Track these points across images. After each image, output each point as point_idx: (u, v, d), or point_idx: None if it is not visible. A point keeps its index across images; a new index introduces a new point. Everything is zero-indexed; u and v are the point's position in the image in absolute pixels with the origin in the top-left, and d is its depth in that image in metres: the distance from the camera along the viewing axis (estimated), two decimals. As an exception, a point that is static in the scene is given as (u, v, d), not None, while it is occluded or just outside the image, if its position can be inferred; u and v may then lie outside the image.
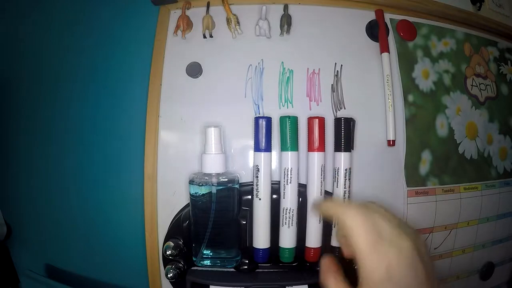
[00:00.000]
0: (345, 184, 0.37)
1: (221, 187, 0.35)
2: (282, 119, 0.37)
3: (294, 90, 0.39)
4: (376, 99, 0.40)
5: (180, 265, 0.38)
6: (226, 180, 0.36)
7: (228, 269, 0.38)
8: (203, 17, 0.38)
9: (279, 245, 0.37)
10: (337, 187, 0.37)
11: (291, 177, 0.36)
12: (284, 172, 0.36)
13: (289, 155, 0.36)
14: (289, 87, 0.39)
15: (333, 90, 0.40)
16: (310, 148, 0.37)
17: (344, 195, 0.37)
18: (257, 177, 0.36)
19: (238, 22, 0.39)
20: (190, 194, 0.36)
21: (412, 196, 0.41)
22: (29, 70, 0.48)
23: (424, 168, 0.42)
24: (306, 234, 0.38)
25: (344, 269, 0.26)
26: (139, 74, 0.40)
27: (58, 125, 0.45)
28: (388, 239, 0.22)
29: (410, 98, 0.41)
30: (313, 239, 0.37)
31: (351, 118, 0.38)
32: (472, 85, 0.46)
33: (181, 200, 0.39)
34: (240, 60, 0.39)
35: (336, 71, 0.40)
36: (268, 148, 0.36)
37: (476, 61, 0.47)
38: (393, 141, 0.39)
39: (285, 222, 0.37)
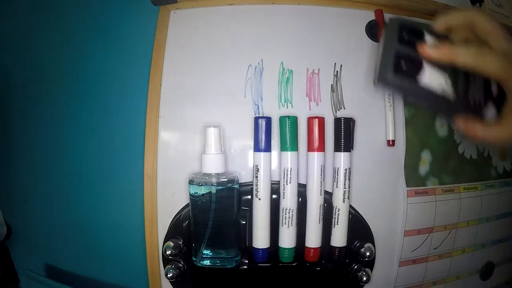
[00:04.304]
0: (344, 184, 0.37)
1: (220, 187, 0.35)
2: (282, 119, 0.37)
3: (293, 90, 0.39)
4: (376, 99, 0.40)
5: (180, 265, 0.39)
6: (226, 180, 0.36)
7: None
8: None
9: (279, 245, 0.38)
10: (337, 187, 0.37)
11: (290, 177, 0.36)
12: (284, 172, 0.37)
13: (289, 155, 0.36)
14: (288, 87, 0.39)
15: (332, 90, 0.40)
16: (310, 148, 0.37)
17: (343, 195, 0.37)
18: (256, 177, 0.36)
19: None
20: (190, 194, 0.36)
21: (412, 196, 0.41)
22: (27, 70, 0.48)
23: (424, 168, 0.42)
24: (305, 234, 0.38)
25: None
26: (139, 74, 0.40)
27: (57, 126, 0.45)
28: None
29: (410, 98, 0.41)
30: (313, 239, 0.37)
31: (351, 118, 0.38)
32: (472, 85, 0.46)
33: (181, 200, 0.39)
34: (240, 60, 0.39)
35: (335, 71, 0.40)
36: (267, 148, 0.37)
37: (476, 61, 0.47)
38: (393, 141, 0.39)
39: (285, 222, 0.37)
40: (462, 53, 0.25)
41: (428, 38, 0.26)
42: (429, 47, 0.25)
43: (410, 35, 0.26)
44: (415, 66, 0.25)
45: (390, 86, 0.27)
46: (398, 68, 0.25)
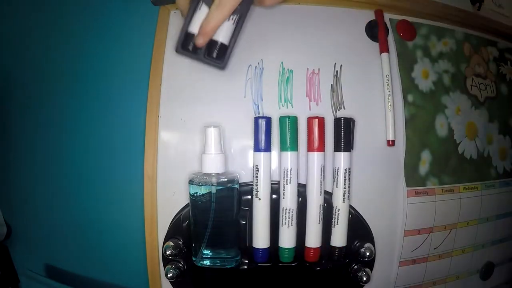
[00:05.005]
0: (344, 184, 0.37)
1: (220, 187, 0.35)
2: (282, 119, 0.37)
3: (293, 90, 0.39)
4: (376, 99, 0.40)
5: (180, 265, 0.39)
6: (226, 180, 0.36)
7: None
8: None
9: (279, 245, 0.38)
10: (336, 187, 0.38)
11: (290, 177, 0.36)
12: (284, 172, 0.37)
13: (289, 155, 0.36)
14: (288, 87, 0.39)
15: (332, 90, 0.40)
16: (310, 148, 0.37)
17: (343, 195, 0.37)
18: (256, 177, 0.36)
19: None
20: (190, 194, 0.36)
21: (411, 196, 0.41)
22: (27, 70, 0.48)
23: (423, 168, 0.42)
24: (305, 234, 0.38)
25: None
26: (139, 75, 0.40)
27: (57, 126, 0.45)
28: None
29: (410, 98, 0.41)
30: (313, 239, 0.37)
31: (350, 118, 0.38)
32: (471, 85, 0.46)
33: (181, 200, 0.39)
34: (240, 60, 0.39)
35: (335, 71, 0.40)
36: (267, 148, 0.37)
37: (476, 61, 0.47)
38: (393, 141, 0.39)
39: (285, 222, 0.37)
40: (211, 20, 0.32)
41: (195, 29, 0.34)
42: (197, 40, 0.34)
43: (188, 45, 0.35)
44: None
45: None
46: (210, 59, 0.36)
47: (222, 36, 0.35)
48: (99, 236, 0.44)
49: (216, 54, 0.35)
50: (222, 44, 0.35)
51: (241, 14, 0.34)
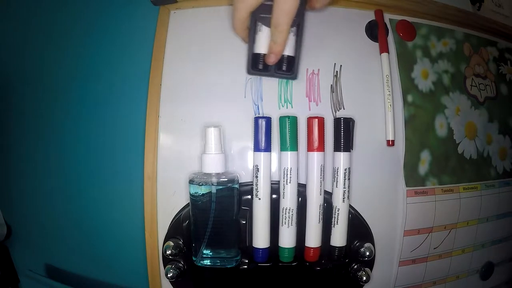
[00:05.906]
0: (344, 184, 0.37)
1: (221, 187, 0.35)
2: (282, 119, 0.37)
3: (293, 91, 0.39)
4: (376, 99, 0.40)
5: (180, 265, 0.39)
6: (226, 180, 0.36)
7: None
8: None
9: (279, 245, 0.38)
10: (336, 187, 0.38)
11: (290, 177, 0.36)
12: (284, 172, 0.37)
13: (289, 155, 0.36)
14: (288, 87, 0.39)
15: (332, 91, 0.40)
16: (310, 148, 0.37)
17: (343, 194, 0.37)
18: (256, 177, 0.36)
19: None
20: (190, 194, 0.36)
21: (411, 196, 0.41)
22: (28, 70, 0.48)
23: (423, 168, 0.42)
24: (305, 234, 0.38)
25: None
26: (139, 74, 0.40)
27: (58, 126, 0.45)
28: None
29: (410, 98, 0.41)
30: (313, 239, 0.37)
31: (350, 118, 0.38)
32: (471, 85, 0.46)
33: (181, 200, 0.39)
34: (240, 60, 0.39)
35: (335, 72, 0.40)
36: (267, 148, 0.37)
37: (476, 61, 0.47)
38: (393, 141, 0.39)
39: (285, 222, 0.37)
40: (276, 40, 0.34)
41: (260, 49, 0.36)
42: (269, 60, 0.36)
43: (258, 65, 0.37)
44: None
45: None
46: (281, 72, 0.38)
47: (288, 49, 0.36)
48: (99, 236, 0.44)
49: (285, 67, 0.37)
50: (289, 56, 0.37)
51: (298, 23, 0.36)
